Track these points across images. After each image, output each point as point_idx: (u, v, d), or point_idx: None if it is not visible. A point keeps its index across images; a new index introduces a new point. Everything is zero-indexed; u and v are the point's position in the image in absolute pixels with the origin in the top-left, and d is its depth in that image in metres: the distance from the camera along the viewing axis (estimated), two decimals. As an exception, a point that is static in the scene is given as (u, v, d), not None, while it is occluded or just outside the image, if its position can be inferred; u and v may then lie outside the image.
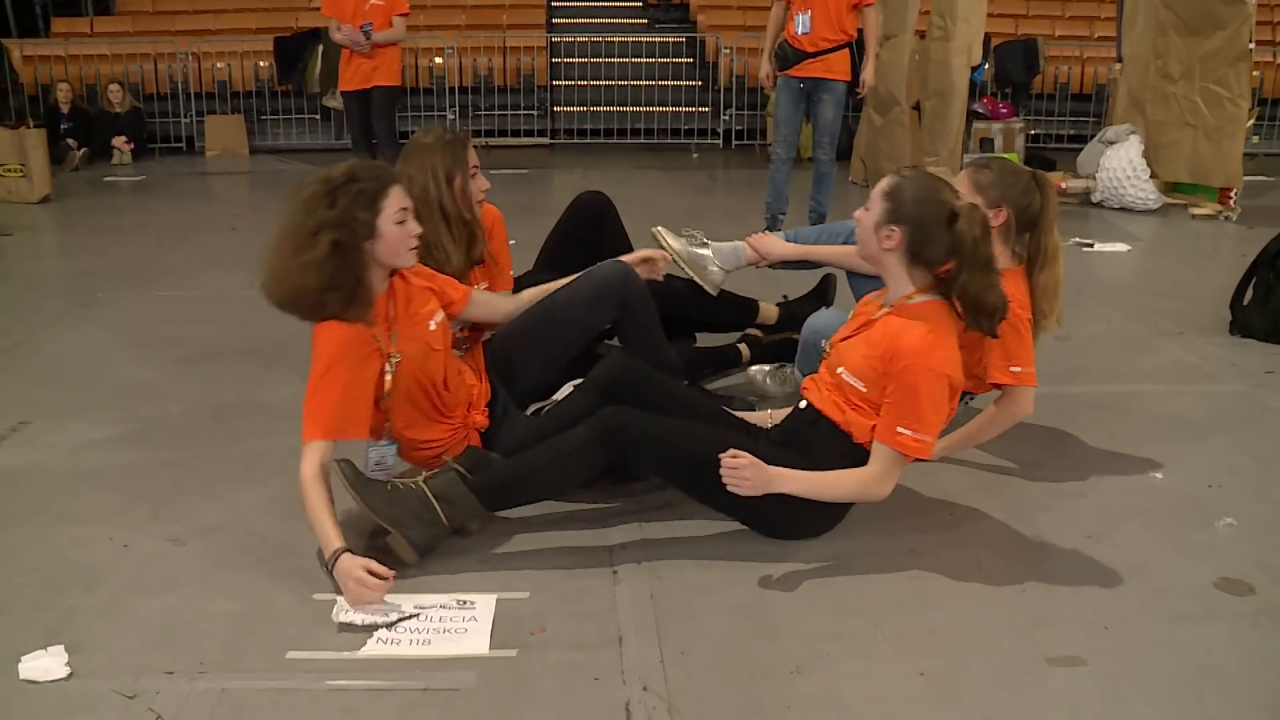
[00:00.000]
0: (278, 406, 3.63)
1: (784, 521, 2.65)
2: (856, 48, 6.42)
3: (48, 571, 2.52)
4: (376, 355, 2.65)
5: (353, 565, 2.37)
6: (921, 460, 2.57)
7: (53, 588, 2.44)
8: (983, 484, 3.03)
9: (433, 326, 2.82)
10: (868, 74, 6.42)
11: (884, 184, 2.63)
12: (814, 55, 6.27)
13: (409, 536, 2.50)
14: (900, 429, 2.51)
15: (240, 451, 3.26)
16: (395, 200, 2.64)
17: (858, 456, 2.59)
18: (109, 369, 4.06)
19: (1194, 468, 3.15)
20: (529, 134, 12.00)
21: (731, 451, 2.44)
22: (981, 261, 2.53)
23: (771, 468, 2.48)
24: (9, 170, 8.10)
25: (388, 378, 2.69)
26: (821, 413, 2.65)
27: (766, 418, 2.93)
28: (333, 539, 2.43)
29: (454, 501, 2.54)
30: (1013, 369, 2.96)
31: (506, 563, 2.56)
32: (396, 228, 2.64)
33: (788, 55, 6.36)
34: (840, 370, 2.64)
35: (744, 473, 2.43)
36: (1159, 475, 3.09)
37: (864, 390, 2.57)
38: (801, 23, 6.27)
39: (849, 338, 2.70)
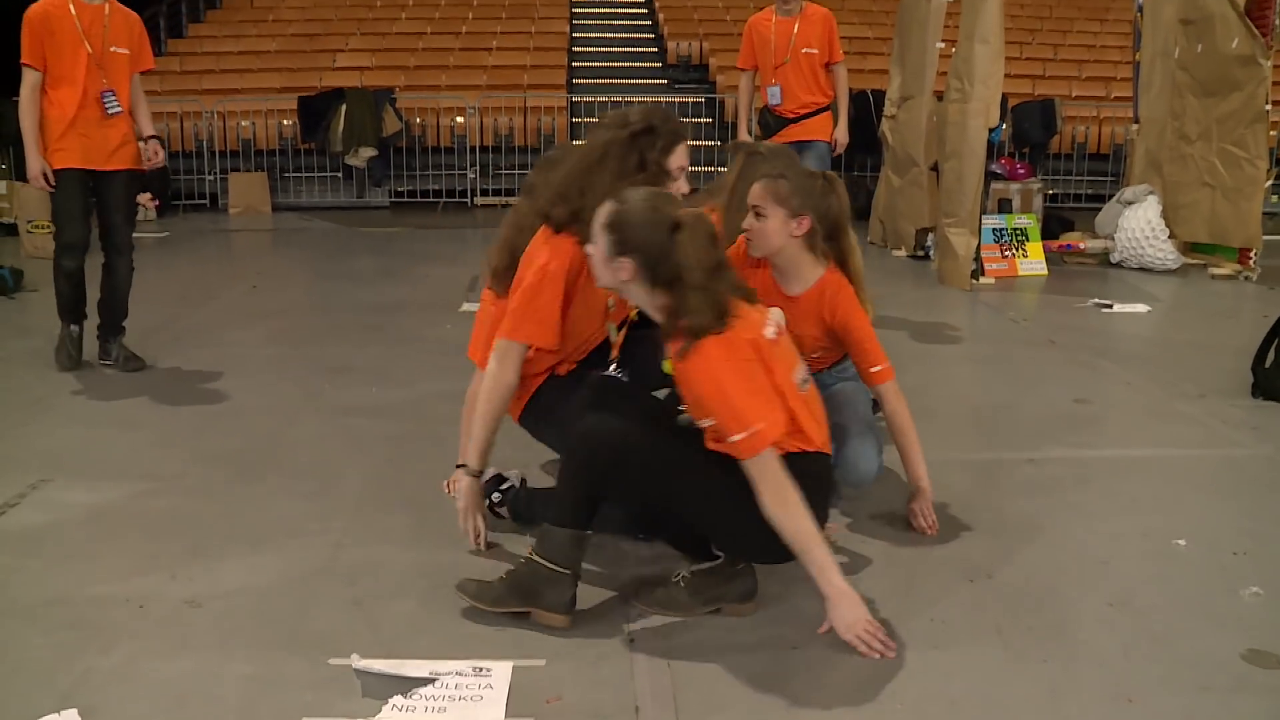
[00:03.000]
0: (298, 466, 3.64)
1: (752, 544, 2.58)
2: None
3: (64, 633, 2.51)
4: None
5: (471, 495, 2.86)
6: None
7: (68, 649, 2.44)
8: (1002, 551, 3.00)
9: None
10: (840, 132, 6.46)
11: (602, 214, 2.54)
12: (794, 120, 6.35)
13: (546, 605, 2.53)
14: (731, 439, 2.41)
15: (259, 513, 3.26)
16: (679, 156, 2.94)
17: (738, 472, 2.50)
18: (129, 427, 4.08)
19: (1218, 534, 3.11)
20: (549, 193, 12.05)
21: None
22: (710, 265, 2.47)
23: (831, 597, 2.46)
24: (36, 227, 8.20)
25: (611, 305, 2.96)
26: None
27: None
28: (469, 455, 2.85)
29: (557, 548, 2.54)
30: (873, 370, 3.10)
31: (523, 628, 2.54)
32: (674, 184, 2.90)
33: (769, 123, 6.46)
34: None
35: (868, 636, 2.44)
36: (1182, 542, 3.04)
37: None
38: (773, 94, 6.37)
39: None
